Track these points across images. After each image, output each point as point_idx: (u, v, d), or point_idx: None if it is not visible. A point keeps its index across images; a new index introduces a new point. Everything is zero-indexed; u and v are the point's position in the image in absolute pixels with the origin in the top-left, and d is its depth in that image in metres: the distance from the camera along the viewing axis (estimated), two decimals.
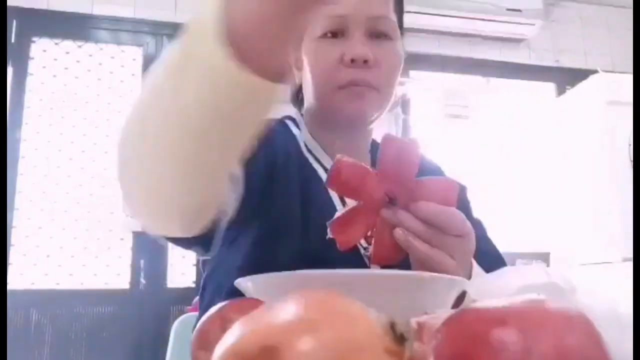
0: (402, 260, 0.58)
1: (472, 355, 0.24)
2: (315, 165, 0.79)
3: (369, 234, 0.58)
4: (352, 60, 0.72)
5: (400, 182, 0.55)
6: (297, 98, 0.88)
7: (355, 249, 0.72)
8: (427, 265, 0.56)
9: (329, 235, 0.58)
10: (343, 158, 0.56)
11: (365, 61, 0.72)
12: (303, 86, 0.82)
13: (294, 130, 0.84)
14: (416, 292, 0.45)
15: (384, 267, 0.70)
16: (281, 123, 0.84)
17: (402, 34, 0.80)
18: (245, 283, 0.49)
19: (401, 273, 0.50)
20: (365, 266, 0.73)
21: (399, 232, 0.55)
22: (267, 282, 0.47)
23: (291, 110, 0.90)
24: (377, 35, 0.75)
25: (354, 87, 0.73)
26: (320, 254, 0.68)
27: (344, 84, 0.73)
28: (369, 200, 0.56)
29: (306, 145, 0.81)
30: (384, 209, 0.56)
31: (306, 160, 0.79)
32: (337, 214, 0.58)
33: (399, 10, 0.80)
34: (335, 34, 0.74)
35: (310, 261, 0.67)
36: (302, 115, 0.87)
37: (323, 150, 0.80)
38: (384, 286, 0.45)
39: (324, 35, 0.74)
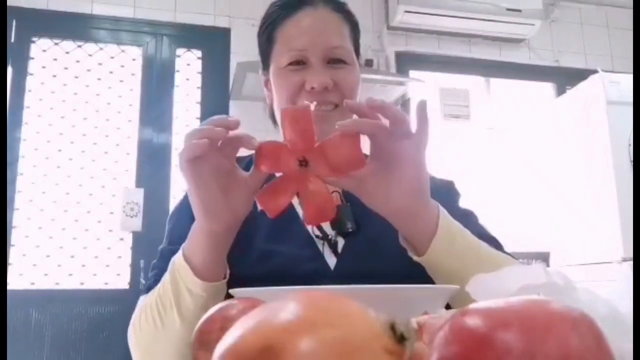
0: (333, 218, 0.64)
1: (475, 357, 0.24)
2: None
3: (297, 199, 0.64)
4: (313, 88, 0.81)
5: (306, 147, 0.60)
6: (272, 114, 0.97)
7: (309, 238, 0.81)
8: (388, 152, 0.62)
9: (258, 207, 0.63)
10: (264, 141, 0.62)
11: (325, 87, 0.81)
12: (273, 106, 0.91)
13: None
14: (407, 304, 0.46)
15: (318, 226, 0.82)
16: None
17: (358, 59, 0.90)
18: (242, 294, 0.50)
19: (389, 287, 0.52)
20: (314, 247, 0.81)
21: (342, 123, 0.60)
22: (265, 298, 0.47)
23: None
24: (335, 61, 0.84)
25: (315, 111, 0.80)
26: (266, 247, 0.78)
27: None
28: (287, 170, 0.61)
29: None
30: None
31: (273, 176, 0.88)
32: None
33: (355, 39, 0.90)
34: (298, 62, 0.83)
35: (258, 255, 0.77)
36: None
37: None
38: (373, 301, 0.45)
39: (288, 65, 0.83)
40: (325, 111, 0.82)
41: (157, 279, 0.77)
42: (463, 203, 0.91)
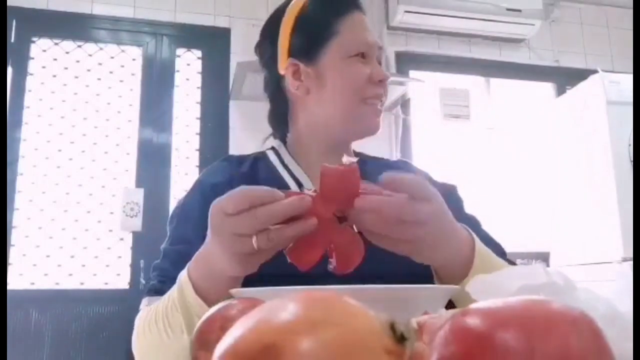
0: (361, 263, 0.63)
1: (475, 356, 0.24)
2: (288, 180, 0.88)
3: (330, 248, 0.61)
4: (380, 80, 0.87)
5: (345, 202, 0.59)
6: (279, 120, 0.96)
7: None
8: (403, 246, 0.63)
9: (288, 260, 0.61)
10: (290, 190, 0.60)
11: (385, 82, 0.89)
12: (317, 98, 0.88)
13: (271, 157, 0.94)
14: (408, 304, 0.46)
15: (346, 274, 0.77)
16: (225, 160, 0.95)
17: None
18: (242, 294, 0.50)
19: (392, 287, 0.51)
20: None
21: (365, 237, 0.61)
22: (265, 298, 0.47)
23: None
24: (379, 61, 0.91)
25: (377, 104, 0.89)
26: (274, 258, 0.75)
27: (370, 96, 0.87)
28: (320, 222, 0.59)
29: (284, 164, 0.91)
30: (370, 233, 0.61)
31: (277, 176, 0.89)
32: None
33: None
34: (361, 55, 0.87)
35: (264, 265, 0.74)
36: (284, 142, 0.96)
37: (301, 168, 0.90)
38: (374, 301, 0.45)
39: (355, 56, 0.87)
40: (379, 107, 0.89)
41: (159, 280, 0.77)
42: (465, 207, 0.91)
